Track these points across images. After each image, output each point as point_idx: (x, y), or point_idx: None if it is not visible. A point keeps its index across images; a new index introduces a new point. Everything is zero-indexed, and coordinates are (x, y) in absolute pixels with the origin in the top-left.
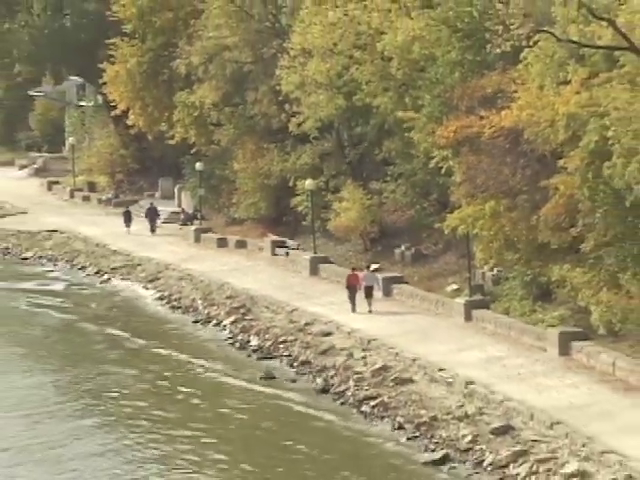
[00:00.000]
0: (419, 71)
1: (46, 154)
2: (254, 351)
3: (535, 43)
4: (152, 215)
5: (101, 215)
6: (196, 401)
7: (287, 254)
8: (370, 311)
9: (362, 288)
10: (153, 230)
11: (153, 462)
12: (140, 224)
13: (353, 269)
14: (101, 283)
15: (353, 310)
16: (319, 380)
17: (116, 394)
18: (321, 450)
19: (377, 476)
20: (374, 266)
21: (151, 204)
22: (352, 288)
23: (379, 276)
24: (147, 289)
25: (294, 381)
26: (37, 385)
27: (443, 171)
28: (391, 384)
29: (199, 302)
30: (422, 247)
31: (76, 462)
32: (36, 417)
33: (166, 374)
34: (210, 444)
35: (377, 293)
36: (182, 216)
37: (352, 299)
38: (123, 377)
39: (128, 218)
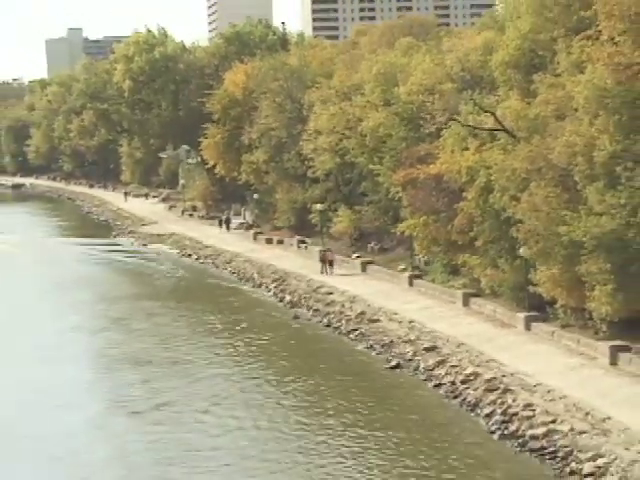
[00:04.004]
0: (382, 142)
1: (168, 190)
2: (287, 303)
3: (449, 126)
4: (228, 221)
5: (199, 225)
6: (256, 326)
7: (306, 248)
8: (332, 273)
9: (328, 261)
10: (228, 229)
11: (239, 360)
12: (222, 228)
13: (324, 251)
14: (199, 264)
15: (321, 272)
16: (325, 320)
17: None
18: (325, 356)
19: (359, 373)
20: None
21: (227, 215)
22: (323, 261)
23: (336, 256)
24: (225, 268)
25: (310, 320)
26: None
27: (397, 199)
28: (367, 322)
29: (255, 275)
30: (384, 243)
31: (198, 368)
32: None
33: (242, 309)
34: (266, 346)
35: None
36: (246, 225)
37: (323, 267)
38: (221, 306)
39: (220, 223)
